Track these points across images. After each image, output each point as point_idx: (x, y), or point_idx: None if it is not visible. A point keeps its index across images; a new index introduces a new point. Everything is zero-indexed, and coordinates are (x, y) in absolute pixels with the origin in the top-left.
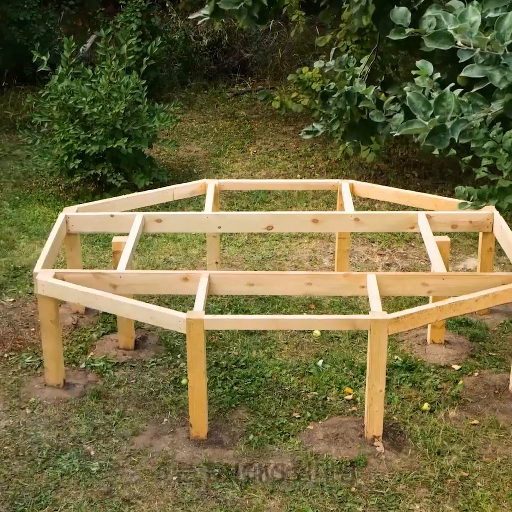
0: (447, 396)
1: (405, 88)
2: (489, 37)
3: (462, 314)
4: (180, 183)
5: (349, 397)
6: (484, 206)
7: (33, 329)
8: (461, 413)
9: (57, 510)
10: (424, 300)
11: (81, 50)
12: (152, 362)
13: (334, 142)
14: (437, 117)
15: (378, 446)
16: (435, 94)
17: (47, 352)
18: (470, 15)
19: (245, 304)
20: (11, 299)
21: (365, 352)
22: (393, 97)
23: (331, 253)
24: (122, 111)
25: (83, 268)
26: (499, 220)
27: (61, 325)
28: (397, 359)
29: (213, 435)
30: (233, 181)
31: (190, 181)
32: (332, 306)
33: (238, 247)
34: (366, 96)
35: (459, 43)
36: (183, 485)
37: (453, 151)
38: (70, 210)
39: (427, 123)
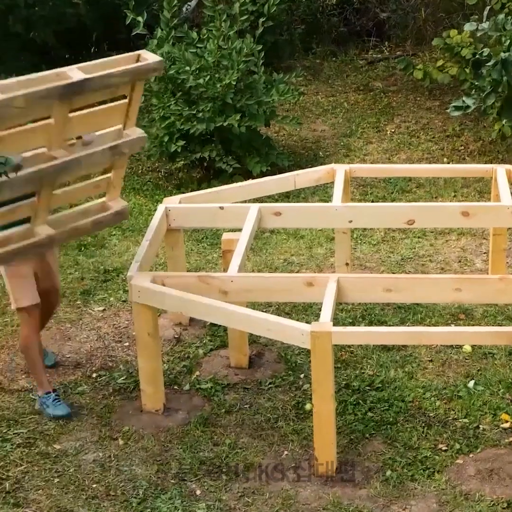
0: None
1: None
2: None
3: None
4: (303, 168)
5: (506, 425)
6: None
7: (126, 343)
8: None
9: None
10: None
11: (184, 9)
12: (270, 383)
13: (488, 119)
14: None
15: None
16: None
17: (144, 372)
18: None
19: (381, 314)
20: (101, 308)
21: None
22: None
23: (484, 253)
24: (234, 83)
25: (187, 271)
26: None
27: (160, 339)
28: None
29: (343, 471)
30: (367, 166)
31: (315, 166)
32: (485, 316)
33: (373, 245)
34: None
35: None
36: None
37: None
38: (171, 201)
39: None
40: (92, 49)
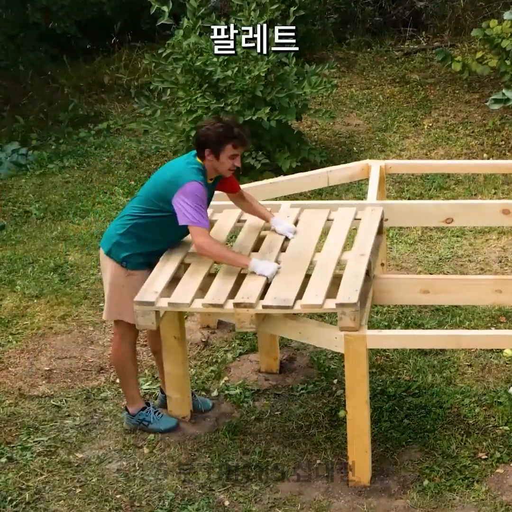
0: None
1: None
2: None
3: None
4: (336, 164)
5: None
6: None
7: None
8: None
9: None
10: None
11: None
12: (302, 389)
13: None
14: None
15: None
16: None
17: (170, 377)
18: None
19: (418, 317)
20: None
21: None
22: None
23: None
24: (264, 75)
25: None
26: None
27: (187, 343)
28: None
29: (378, 481)
30: (403, 162)
31: (349, 162)
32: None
33: (410, 245)
34: None
35: None
36: None
37: None
38: None
39: None
40: (114, 40)
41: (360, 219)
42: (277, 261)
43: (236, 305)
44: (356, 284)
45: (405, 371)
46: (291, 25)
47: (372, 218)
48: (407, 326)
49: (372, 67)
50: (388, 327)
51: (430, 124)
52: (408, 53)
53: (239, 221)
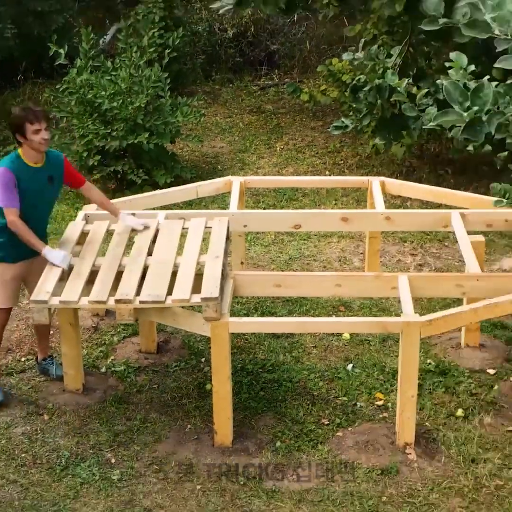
0: (482, 402)
1: (439, 81)
2: None
3: (498, 316)
4: (204, 180)
5: (380, 402)
6: None
7: (51, 332)
8: (497, 420)
9: None
10: (458, 302)
11: (100, 42)
12: (175, 366)
13: (364, 137)
14: (474, 108)
15: (410, 453)
16: (472, 85)
17: (66, 356)
18: (509, 3)
19: (272, 306)
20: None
21: (397, 356)
22: (425, 90)
23: (361, 253)
24: (144, 105)
25: None
26: None
27: (80, 328)
28: (430, 363)
29: (238, 442)
30: (259, 178)
31: (214, 178)
32: (362, 308)
33: (265, 246)
34: (398, 89)
35: (496, 32)
36: (207, 494)
37: (488, 147)
38: (90, 208)
39: (464, 114)
40: (19, 77)
41: (210, 227)
42: (146, 265)
43: (117, 301)
44: (216, 281)
45: (261, 351)
46: (166, 64)
47: (221, 226)
48: (263, 314)
49: (233, 99)
50: (247, 315)
51: (282, 147)
52: (264, 88)
53: (108, 231)
